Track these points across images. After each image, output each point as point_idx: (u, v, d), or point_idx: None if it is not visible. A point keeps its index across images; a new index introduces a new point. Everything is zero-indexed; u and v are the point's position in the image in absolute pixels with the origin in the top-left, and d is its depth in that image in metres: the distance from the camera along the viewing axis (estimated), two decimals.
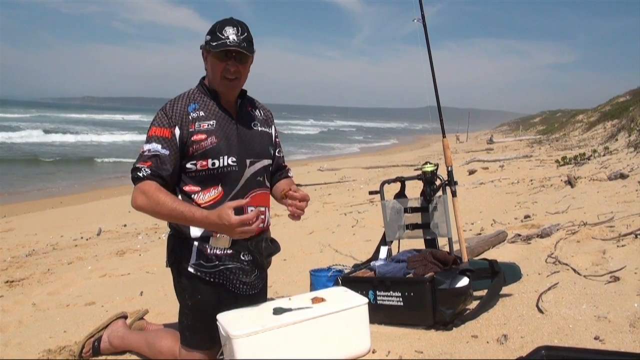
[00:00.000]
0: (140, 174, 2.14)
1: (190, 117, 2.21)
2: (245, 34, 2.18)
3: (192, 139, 2.19)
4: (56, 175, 15.93)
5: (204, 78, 2.36)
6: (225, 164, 2.22)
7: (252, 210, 2.10)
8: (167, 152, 2.16)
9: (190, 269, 2.25)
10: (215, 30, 2.17)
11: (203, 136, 2.20)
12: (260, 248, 2.33)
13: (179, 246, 2.29)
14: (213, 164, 2.20)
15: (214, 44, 2.16)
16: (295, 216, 2.25)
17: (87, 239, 7.21)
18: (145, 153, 2.17)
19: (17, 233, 7.82)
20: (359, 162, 19.20)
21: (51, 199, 11.80)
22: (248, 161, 2.30)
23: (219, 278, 2.27)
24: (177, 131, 2.18)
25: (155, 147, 2.16)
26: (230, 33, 2.15)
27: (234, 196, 2.25)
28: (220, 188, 2.23)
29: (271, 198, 2.50)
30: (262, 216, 2.15)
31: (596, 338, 2.33)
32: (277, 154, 2.55)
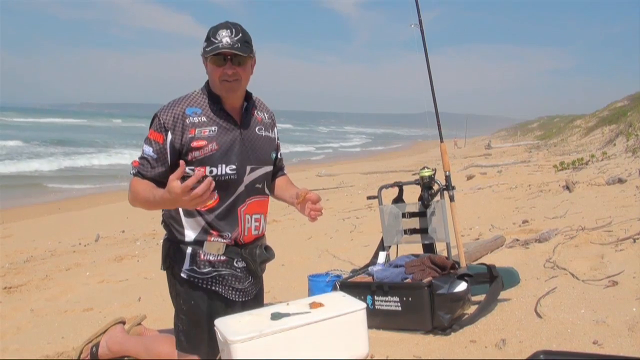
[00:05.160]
0: (131, 172, 2.23)
1: (187, 121, 2.19)
2: (240, 34, 2.16)
3: (192, 145, 2.17)
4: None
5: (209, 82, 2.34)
6: (224, 172, 2.21)
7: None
8: (155, 156, 2.19)
9: (183, 275, 2.25)
10: (210, 36, 2.16)
11: (203, 142, 2.19)
12: (254, 255, 2.33)
13: (173, 251, 2.28)
14: (211, 171, 2.19)
15: (208, 49, 2.15)
16: (313, 218, 2.28)
17: (85, 245, 7.20)
18: (141, 154, 2.24)
19: (15, 239, 7.80)
20: (357, 168, 19.21)
21: (49, 205, 11.78)
22: (249, 168, 2.28)
23: (211, 284, 2.27)
24: (169, 136, 2.18)
25: (147, 150, 2.21)
26: (224, 36, 2.14)
27: (231, 203, 2.24)
28: (216, 195, 2.22)
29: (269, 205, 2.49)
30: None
31: (595, 342, 2.34)
32: (279, 156, 2.55)
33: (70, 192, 14.18)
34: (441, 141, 3.48)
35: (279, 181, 2.56)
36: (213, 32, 2.16)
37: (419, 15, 3.50)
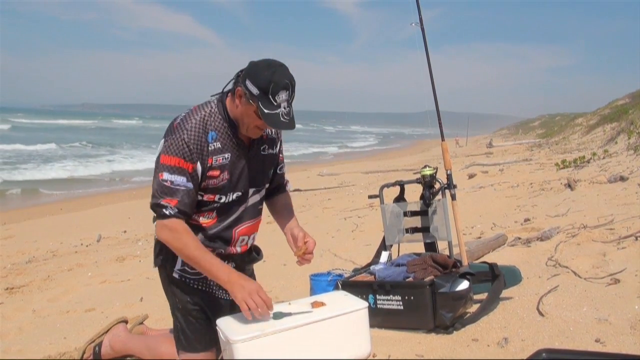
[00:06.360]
0: (167, 212, 2.06)
1: (209, 148, 2.11)
2: (294, 94, 2.04)
3: (208, 174, 2.13)
4: None
5: (224, 95, 2.18)
6: (230, 200, 2.21)
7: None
8: (191, 187, 2.08)
9: (175, 275, 2.26)
10: (268, 90, 1.97)
11: (217, 172, 2.14)
12: (243, 257, 2.38)
13: (164, 251, 2.26)
14: (219, 198, 2.19)
15: (266, 111, 1.98)
16: (301, 264, 2.30)
17: (86, 246, 7.20)
18: (168, 185, 2.06)
19: (17, 240, 7.81)
20: (358, 167, 19.20)
21: (51, 205, 11.79)
22: (251, 190, 2.28)
23: (202, 285, 2.28)
24: (198, 167, 2.09)
25: (179, 180, 2.06)
26: (283, 100, 1.99)
27: (228, 224, 2.24)
28: (214, 214, 2.22)
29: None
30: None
31: (597, 340, 2.33)
32: (278, 171, 2.45)
33: (72, 194, 14.19)
34: (442, 140, 3.48)
35: (279, 202, 2.49)
36: (274, 88, 1.97)
37: (420, 14, 3.49)
